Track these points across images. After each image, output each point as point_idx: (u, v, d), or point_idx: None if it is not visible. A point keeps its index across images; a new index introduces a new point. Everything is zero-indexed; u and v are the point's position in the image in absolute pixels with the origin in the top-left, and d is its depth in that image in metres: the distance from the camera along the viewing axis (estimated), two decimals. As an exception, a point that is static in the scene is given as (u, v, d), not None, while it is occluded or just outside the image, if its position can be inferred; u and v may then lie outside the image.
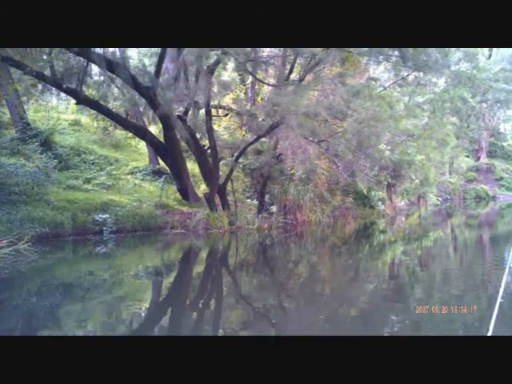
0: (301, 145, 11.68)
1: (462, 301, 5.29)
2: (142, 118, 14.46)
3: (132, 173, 15.81)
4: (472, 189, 35.43)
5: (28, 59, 9.51)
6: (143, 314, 5.32)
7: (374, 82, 16.11)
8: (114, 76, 12.03)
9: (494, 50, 36.37)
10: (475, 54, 29.86)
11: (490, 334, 3.05)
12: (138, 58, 15.83)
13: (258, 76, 13.04)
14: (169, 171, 14.71)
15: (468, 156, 36.70)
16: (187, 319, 5.02)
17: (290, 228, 13.70)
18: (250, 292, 6.42)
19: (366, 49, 10.76)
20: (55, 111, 19.37)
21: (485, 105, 35.78)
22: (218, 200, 13.05)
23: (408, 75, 18.67)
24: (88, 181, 13.84)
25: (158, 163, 16.35)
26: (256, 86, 17.86)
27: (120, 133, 18.32)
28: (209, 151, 12.96)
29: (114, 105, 14.57)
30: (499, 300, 3.71)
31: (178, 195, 14.18)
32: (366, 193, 18.53)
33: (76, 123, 18.93)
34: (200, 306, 5.71)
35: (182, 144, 14.17)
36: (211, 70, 11.18)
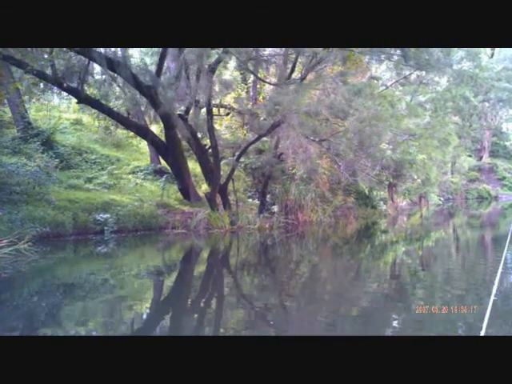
0: (302, 144, 11.65)
1: (463, 301, 5.26)
2: (143, 117, 14.46)
3: (133, 172, 15.80)
4: (474, 188, 35.37)
5: (29, 58, 9.50)
6: (144, 315, 5.30)
7: (375, 81, 16.06)
8: (116, 75, 12.02)
9: (497, 49, 36.31)
10: (477, 53, 29.80)
11: (482, 333, 3.06)
12: (140, 56, 15.80)
13: (259, 75, 13.01)
14: (170, 171, 14.69)
15: (470, 155, 36.66)
16: (188, 319, 5.00)
17: (292, 228, 13.68)
18: (251, 292, 6.39)
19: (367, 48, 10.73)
20: (57, 110, 19.38)
21: (487, 104, 35.72)
22: (219, 200, 13.04)
23: (410, 74, 18.61)
24: (89, 180, 13.83)
25: (160, 163, 16.34)
26: (257, 85, 17.84)
27: (121, 132, 18.32)
28: (210, 150, 12.94)
29: (115, 104, 14.57)
30: (492, 299, 3.72)
31: (179, 195, 14.16)
32: (367, 193, 18.50)
33: (77, 122, 18.93)
34: (201, 306, 5.69)
35: (184, 143, 14.16)
36: (212, 69, 11.16)
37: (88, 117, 18.72)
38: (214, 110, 14.23)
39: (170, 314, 5.38)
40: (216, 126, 15.27)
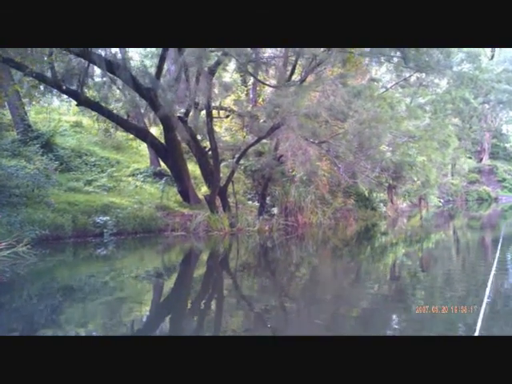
0: (301, 146, 11.63)
1: (464, 302, 5.24)
2: (143, 119, 14.44)
3: (133, 175, 15.78)
4: (474, 190, 35.34)
5: (28, 60, 9.50)
6: (144, 317, 5.28)
7: (375, 83, 16.07)
8: (115, 77, 12.02)
9: (497, 50, 36.39)
10: (477, 55, 29.83)
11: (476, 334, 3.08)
12: (139, 59, 15.82)
13: (259, 77, 13.01)
14: (170, 173, 14.68)
15: (470, 157, 36.63)
16: (188, 321, 4.98)
17: (291, 230, 13.65)
18: (251, 295, 6.37)
19: (367, 50, 10.73)
20: (56, 113, 19.36)
21: (487, 106, 35.71)
22: (218, 202, 13.01)
23: (410, 76, 18.64)
24: (89, 183, 13.81)
25: (159, 165, 16.32)
26: (257, 87, 17.84)
27: (121, 134, 18.31)
28: (210, 153, 12.93)
29: (115, 106, 14.56)
30: (485, 302, 3.72)
31: (178, 197, 14.14)
32: (367, 194, 18.49)
33: (77, 125, 18.93)
34: (201, 308, 5.67)
35: (183, 145, 14.15)
36: (212, 72, 11.15)
37: (88, 119, 18.71)
38: (214, 112, 14.23)
39: (170, 316, 5.36)
40: (216, 128, 15.26)
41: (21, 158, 12.54)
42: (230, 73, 16.04)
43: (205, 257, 10.20)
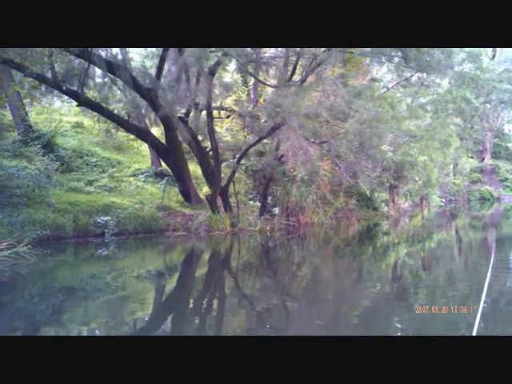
0: (302, 146, 11.61)
1: (465, 302, 5.22)
2: (143, 119, 14.44)
3: (134, 175, 15.78)
4: (476, 190, 35.28)
5: (28, 61, 9.51)
6: (146, 317, 5.27)
7: (376, 83, 16.04)
8: (116, 78, 12.02)
9: (498, 50, 36.27)
10: (479, 55, 29.76)
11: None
12: (140, 59, 15.81)
13: (259, 77, 13.00)
14: (171, 173, 14.68)
15: (472, 157, 36.56)
16: (189, 322, 4.97)
17: (293, 230, 13.64)
18: (252, 295, 6.36)
19: (368, 50, 10.71)
20: (57, 113, 19.38)
21: (489, 106, 35.63)
22: (220, 202, 13.01)
23: (411, 76, 18.60)
24: (90, 183, 13.82)
25: (161, 165, 16.32)
26: (258, 88, 17.83)
27: (122, 135, 18.31)
28: (211, 153, 12.93)
29: (115, 107, 14.56)
30: (481, 305, 3.71)
31: (180, 197, 14.14)
32: (369, 194, 18.46)
33: (78, 125, 18.93)
34: (202, 308, 5.66)
35: (184, 146, 14.15)
36: (212, 72, 11.15)
37: (89, 120, 18.72)
38: (215, 112, 14.22)
39: (172, 316, 5.36)
40: (217, 129, 15.25)
41: (22, 158, 12.56)
42: (230, 73, 16.03)
43: (206, 257, 10.20)
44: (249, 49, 10.19)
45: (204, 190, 14.54)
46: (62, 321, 5.00)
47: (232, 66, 13.61)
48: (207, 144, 13.51)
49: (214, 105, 12.78)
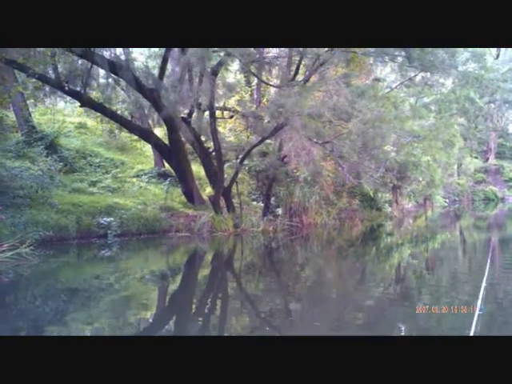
0: (305, 146, 11.58)
1: (468, 303, 5.18)
2: (146, 120, 14.44)
3: (137, 175, 15.80)
4: (481, 190, 35.15)
5: (31, 62, 9.51)
6: (149, 318, 5.25)
7: (380, 83, 15.99)
8: (119, 78, 12.02)
9: (502, 50, 36.11)
10: (483, 55, 29.61)
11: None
12: (143, 59, 15.81)
13: (262, 77, 12.97)
14: (174, 174, 14.68)
15: (476, 157, 36.44)
16: (192, 323, 4.95)
17: (296, 230, 13.61)
18: (255, 296, 6.32)
19: (371, 49, 10.67)
20: (61, 114, 19.42)
21: (493, 105, 35.51)
22: (223, 203, 12.99)
23: (415, 76, 18.52)
24: (93, 184, 13.84)
25: (164, 166, 16.33)
26: (261, 88, 17.80)
27: (126, 135, 18.33)
28: (214, 153, 12.91)
29: (118, 107, 14.57)
30: (477, 313, 3.67)
31: (183, 198, 14.14)
32: (372, 195, 18.42)
33: (82, 126, 18.97)
34: (206, 310, 5.64)
35: (187, 146, 14.13)
36: (214, 72, 11.13)
37: (92, 120, 18.74)
38: (218, 112, 14.19)
39: (175, 317, 5.36)
40: (220, 129, 15.24)
41: (25, 159, 12.58)
42: (234, 73, 16.01)
43: (209, 257, 10.18)
44: (251, 49, 10.17)
45: (207, 191, 14.53)
46: (65, 321, 4.99)
47: (235, 66, 13.59)
48: (210, 144, 13.49)
49: (216, 105, 12.75)
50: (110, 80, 12.76)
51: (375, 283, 7.07)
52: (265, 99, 18.06)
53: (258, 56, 11.26)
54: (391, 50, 10.51)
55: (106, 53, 11.33)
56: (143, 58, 16.19)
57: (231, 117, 16.37)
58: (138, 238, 11.14)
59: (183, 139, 13.33)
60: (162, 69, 11.78)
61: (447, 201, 28.43)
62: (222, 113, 15.63)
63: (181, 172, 13.86)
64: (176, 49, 11.39)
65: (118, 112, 13.96)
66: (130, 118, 14.43)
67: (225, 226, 12.14)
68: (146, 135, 13.91)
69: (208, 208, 12.95)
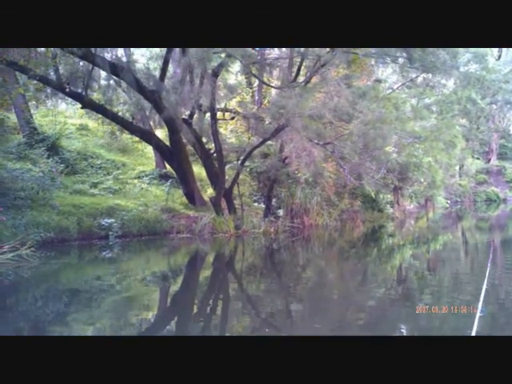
0: (306, 147, 11.57)
1: (471, 304, 5.16)
2: (148, 121, 14.44)
3: (139, 177, 15.80)
4: (482, 191, 35.08)
5: (32, 63, 9.52)
6: (150, 318, 5.26)
7: (381, 84, 15.97)
8: (120, 80, 12.03)
9: (504, 51, 36.10)
10: (484, 55, 29.63)
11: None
12: (144, 61, 15.82)
13: (263, 79, 12.96)
14: (175, 175, 14.67)
15: (478, 158, 36.37)
16: (193, 323, 4.94)
17: (297, 232, 13.59)
18: (256, 297, 6.31)
19: (372, 50, 10.65)
20: (62, 116, 19.44)
21: (495, 106, 35.46)
22: (224, 204, 12.98)
23: (417, 77, 18.51)
24: (95, 185, 13.83)
25: (165, 167, 16.33)
26: (263, 89, 17.80)
27: (127, 137, 18.31)
28: (215, 155, 12.90)
29: (120, 109, 14.57)
30: (477, 316, 3.66)
31: (184, 199, 14.13)
32: (373, 196, 18.37)
33: (83, 128, 18.97)
34: (207, 311, 5.63)
35: (188, 148, 14.13)
36: (215, 73, 11.12)
37: (93, 122, 18.76)
38: (219, 114, 14.19)
39: (176, 318, 5.36)
40: (221, 130, 15.23)
41: (26, 160, 12.59)
42: (235, 75, 16.00)
43: (210, 259, 10.17)
44: (252, 50, 10.16)
45: (208, 192, 14.51)
46: (66, 322, 4.98)
47: (236, 67, 13.59)
48: (211, 146, 13.48)
49: (218, 106, 12.76)
50: (111, 82, 12.75)
51: (377, 284, 7.05)
52: (266, 100, 18.05)
53: (259, 57, 11.26)
54: (392, 50, 10.49)
55: (107, 54, 11.34)
56: (144, 59, 16.19)
57: (232, 118, 16.37)
58: (139, 240, 11.14)
59: (184, 140, 13.32)
60: (163, 70, 11.77)
61: (449, 202, 28.39)
62: (223, 114, 15.64)
63: (182, 173, 13.85)
64: (177, 50, 11.39)
65: (119, 113, 13.95)
66: (131, 120, 14.41)
67: (226, 228, 12.12)
68: (147, 137, 13.90)
69: (209, 209, 12.94)
